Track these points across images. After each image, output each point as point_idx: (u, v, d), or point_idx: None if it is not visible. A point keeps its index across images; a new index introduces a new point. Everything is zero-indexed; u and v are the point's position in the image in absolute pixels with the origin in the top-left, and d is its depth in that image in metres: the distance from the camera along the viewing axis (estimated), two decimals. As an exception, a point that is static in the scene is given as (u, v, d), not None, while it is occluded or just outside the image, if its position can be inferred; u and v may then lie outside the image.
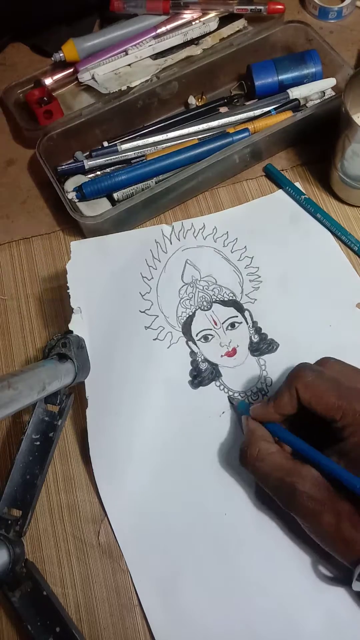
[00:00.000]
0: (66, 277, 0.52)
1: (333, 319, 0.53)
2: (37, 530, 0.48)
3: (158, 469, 0.48)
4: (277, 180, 0.60)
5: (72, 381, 0.46)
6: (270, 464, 0.41)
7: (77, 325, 0.51)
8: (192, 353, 0.52)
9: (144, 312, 0.53)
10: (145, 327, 0.53)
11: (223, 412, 0.50)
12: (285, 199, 0.59)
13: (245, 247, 0.56)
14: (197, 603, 0.44)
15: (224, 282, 0.55)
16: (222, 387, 0.51)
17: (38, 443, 0.47)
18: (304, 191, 0.58)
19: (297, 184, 0.59)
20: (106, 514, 0.47)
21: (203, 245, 0.56)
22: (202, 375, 0.51)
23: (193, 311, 0.54)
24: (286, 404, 0.42)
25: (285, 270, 0.55)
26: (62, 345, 0.47)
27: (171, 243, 0.56)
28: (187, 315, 0.53)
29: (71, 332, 0.50)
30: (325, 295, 0.54)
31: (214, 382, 0.51)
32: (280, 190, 0.60)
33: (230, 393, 0.51)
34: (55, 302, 0.57)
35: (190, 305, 0.54)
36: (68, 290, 0.52)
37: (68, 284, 0.52)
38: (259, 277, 0.55)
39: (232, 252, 0.56)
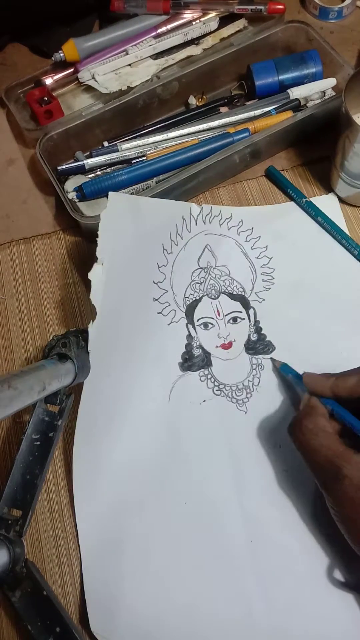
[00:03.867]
0: (68, 275, 0.52)
1: (338, 338, 0.51)
2: (37, 530, 0.48)
3: (134, 447, 0.48)
4: (278, 182, 0.60)
5: (72, 381, 0.46)
6: (323, 440, 0.40)
7: (96, 277, 0.51)
8: (189, 336, 0.52)
9: (156, 283, 0.53)
10: (153, 299, 0.53)
11: (204, 401, 0.50)
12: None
13: (267, 246, 0.55)
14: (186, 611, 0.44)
15: (236, 276, 0.54)
16: (209, 376, 0.51)
17: (38, 443, 0.46)
18: (305, 194, 0.58)
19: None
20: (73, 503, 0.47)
21: (226, 235, 0.56)
22: (193, 360, 0.51)
23: (200, 296, 0.54)
24: (352, 387, 0.41)
25: (301, 279, 0.54)
26: (62, 345, 0.47)
27: (196, 224, 0.56)
28: (194, 299, 0.53)
29: (71, 332, 0.50)
30: (337, 314, 0.52)
31: (202, 370, 0.51)
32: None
33: (217, 384, 0.51)
34: (56, 301, 0.57)
35: (200, 289, 0.54)
36: (97, 239, 0.52)
37: (99, 232, 0.52)
38: (273, 278, 0.54)
39: (252, 249, 0.55)
